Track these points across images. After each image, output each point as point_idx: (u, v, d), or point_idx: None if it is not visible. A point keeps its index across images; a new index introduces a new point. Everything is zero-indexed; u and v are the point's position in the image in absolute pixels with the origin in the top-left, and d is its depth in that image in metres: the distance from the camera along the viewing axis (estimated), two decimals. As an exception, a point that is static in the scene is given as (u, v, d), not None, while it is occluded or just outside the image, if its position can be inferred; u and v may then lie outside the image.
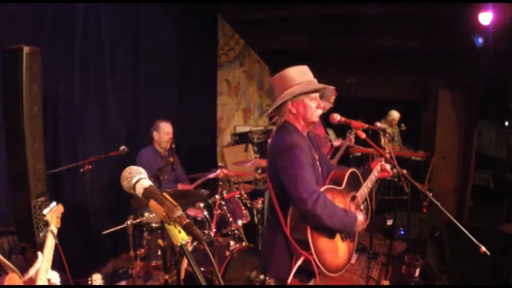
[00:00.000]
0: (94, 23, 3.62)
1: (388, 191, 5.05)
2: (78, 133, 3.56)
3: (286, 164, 1.81)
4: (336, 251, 1.92)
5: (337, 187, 1.99)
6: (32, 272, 1.39)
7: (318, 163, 2.03)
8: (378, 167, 2.23)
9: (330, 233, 1.88)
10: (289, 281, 1.85)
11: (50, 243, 1.65)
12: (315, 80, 1.99)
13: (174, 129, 3.88)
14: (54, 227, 1.78)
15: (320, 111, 1.99)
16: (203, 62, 5.80)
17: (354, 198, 2.08)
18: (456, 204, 6.07)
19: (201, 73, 5.64)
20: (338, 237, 1.93)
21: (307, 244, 1.79)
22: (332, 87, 2.06)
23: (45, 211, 1.81)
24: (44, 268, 1.44)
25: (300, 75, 1.95)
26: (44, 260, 1.49)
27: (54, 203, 1.91)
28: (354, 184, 2.12)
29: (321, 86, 1.97)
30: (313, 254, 1.79)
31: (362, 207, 2.11)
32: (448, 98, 6.24)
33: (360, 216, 1.93)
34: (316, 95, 1.98)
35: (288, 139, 1.86)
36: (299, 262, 1.82)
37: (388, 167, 2.25)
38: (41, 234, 1.75)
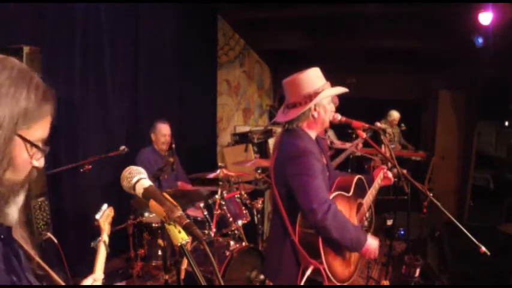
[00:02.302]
0: (94, 23, 3.62)
1: (388, 191, 5.05)
2: (78, 133, 3.56)
3: (298, 171, 1.76)
4: (346, 259, 1.89)
5: (345, 193, 1.96)
6: None
7: (326, 168, 1.99)
8: (381, 175, 2.18)
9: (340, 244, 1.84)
10: None
11: (102, 255, 1.44)
12: (329, 83, 1.94)
13: (174, 129, 3.88)
14: (106, 235, 1.54)
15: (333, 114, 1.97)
16: (203, 62, 5.79)
17: (360, 205, 2.05)
18: (456, 204, 6.07)
19: (201, 73, 5.63)
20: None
21: (318, 252, 1.75)
22: (345, 89, 2.01)
23: (97, 215, 1.58)
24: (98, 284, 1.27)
25: (319, 78, 1.90)
26: (97, 279, 1.31)
27: (105, 206, 1.67)
28: (361, 191, 2.09)
29: (346, 89, 1.95)
30: (324, 262, 1.75)
31: (367, 215, 2.09)
32: (448, 98, 6.24)
33: (373, 242, 1.85)
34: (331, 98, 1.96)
35: (300, 145, 1.81)
36: (308, 272, 1.77)
37: (390, 174, 2.21)
38: (92, 244, 1.51)
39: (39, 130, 0.83)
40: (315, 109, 1.88)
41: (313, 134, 1.94)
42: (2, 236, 0.83)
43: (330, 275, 1.76)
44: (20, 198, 0.84)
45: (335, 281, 1.79)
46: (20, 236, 0.90)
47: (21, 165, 0.81)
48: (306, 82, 1.87)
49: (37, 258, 0.97)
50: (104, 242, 1.51)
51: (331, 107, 1.95)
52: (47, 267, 1.03)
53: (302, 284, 1.81)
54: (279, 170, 1.88)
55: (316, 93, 1.84)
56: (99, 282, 1.31)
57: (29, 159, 0.82)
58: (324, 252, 1.76)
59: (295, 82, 1.90)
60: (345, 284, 1.87)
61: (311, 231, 1.78)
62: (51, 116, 0.85)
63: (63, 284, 1.10)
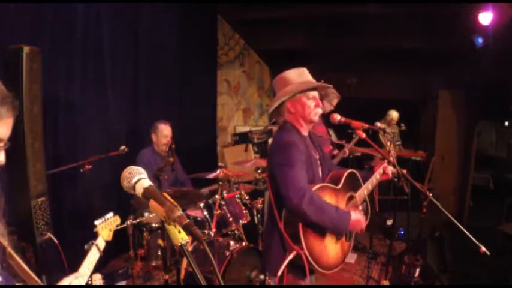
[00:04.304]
0: (94, 23, 3.61)
1: (388, 191, 5.04)
2: (78, 133, 3.56)
3: (279, 161, 1.88)
4: (328, 248, 1.94)
5: (334, 186, 2.02)
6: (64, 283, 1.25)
7: (318, 162, 2.07)
8: (380, 170, 2.23)
9: (322, 230, 1.89)
10: (279, 273, 1.87)
11: (92, 257, 1.49)
12: (313, 81, 2.03)
13: (174, 129, 3.88)
14: (102, 240, 1.60)
15: (320, 110, 2.02)
16: (203, 62, 5.79)
17: (351, 198, 2.09)
18: (456, 204, 6.08)
19: (201, 73, 5.63)
20: (331, 235, 1.95)
21: (299, 238, 1.83)
22: (327, 85, 2.10)
23: (96, 222, 1.65)
24: (78, 283, 1.31)
25: (297, 76, 2.00)
26: (79, 276, 1.35)
27: (110, 214, 1.74)
28: (353, 184, 2.13)
29: (315, 83, 2.01)
30: (304, 248, 1.82)
31: (360, 208, 2.12)
32: (448, 98, 6.24)
33: (356, 216, 1.93)
34: (315, 93, 2.02)
35: (284, 137, 1.93)
36: (290, 256, 1.85)
37: (390, 170, 2.24)
38: (85, 246, 1.57)
39: None
40: (290, 104, 1.98)
41: (303, 129, 2.03)
42: None
43: (311, 260, 1.83)
44: None
45: (317, 267, 1.86)
46: None
47: None
48: (284, 80, 2.01)
49: (9, 249, 1.06)
50: (97, 245, 1.55)
51: (313, 103, 1.98)
52: (18, 259, 1.10)
53: (285, 264, 1.86)
54: (268, 162, 2.03)
55: (291, 90, 1.96)
56: (82, 280, 1.35)
57: None
58: (306, 238, 1.83)
59: (278, 80, 2.05)
60: (330, 271, 1.94)
61: (293, 218, 1.87)
62: (10, 120, 1.00)
63: (33, 275, 1.15)
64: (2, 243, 1.04)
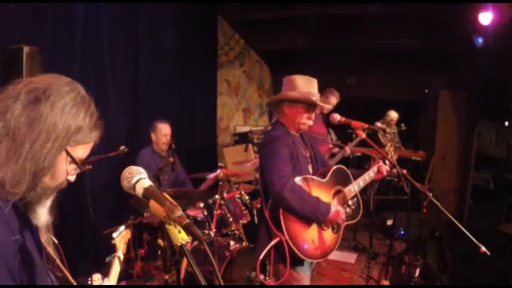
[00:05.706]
0: (94, 23, 3.61)
1: (388, 191, 5.05)
2: (78, 133, 3.55)
3: (265, 154, 2.07)
4: (312, 237, 2.03)
5: (319, 179, 2.13)
6: None
7: (308, 160, 2.23)
8: (375, 168, 2.30)
9: (305, 219, 1.98)
10: (260, 256, 1.99)
11: (116, 270, 1.56)
12: (317, 95, 2.15)
13: (174, 129, 3.88)
14: (121, 253, 1.66)
15: (310, 122, 2.17)
16: (203, 62, 5.79)
17: (339, 192, 2.18)
18: (456, 204, 6.07)
19: (201, 73, 5.63)
20: (314, 224, 2.04)
21: (280, 224, 1.93)
22: (326, 105, 2.22)
23: (114, 234, 1.69)
24: None
25: (305, 85, 2.13)
26: None
27: (122, 227, 1.79)
28: (342, 180, 2.23)
29: (315, 102, 2.12)
30: (285, 234, 1.92)
31: (350, 202, 2.21)
32: (448, 98, 6.24)
33: (336, 208, 2.03)
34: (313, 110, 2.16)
35: (272, 134, 2.13)
36: (273, 242, 1.96)
37: (385, 168, 2.31)
38: (106, 259, 1.62)
39: (82, 150, 0.98)
40: (287, 107, 2.14)
41: (292, 129, 2.17)
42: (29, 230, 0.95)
43: (292, 246, 1.92)
44: (49, 202, 0.98)
45: (300, 254, 1.94)
46: (46, 238, 1.03)
47: (58, 175, 0.95)
48: (292, 83, 2.14)
49: (58, 261, 1.08)
50: (119, 257, 1.59)
51: (306, 115, 2.12)
52: (65, 270, 1.13)
53: (265, 251, 1.97)
54: (259, 156, 2.20)
55: (293, 96, 2.10)
56: None
57: (65, 172, 0.96)
58: (287, 225, 1.94)
59: (287, 80, 2.17)
60: (314, 259, 2.04)
61: (276, 205, 1.97)
62: (95, 143, 1.01)
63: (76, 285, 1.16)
64: (52, 256, 1.06)
